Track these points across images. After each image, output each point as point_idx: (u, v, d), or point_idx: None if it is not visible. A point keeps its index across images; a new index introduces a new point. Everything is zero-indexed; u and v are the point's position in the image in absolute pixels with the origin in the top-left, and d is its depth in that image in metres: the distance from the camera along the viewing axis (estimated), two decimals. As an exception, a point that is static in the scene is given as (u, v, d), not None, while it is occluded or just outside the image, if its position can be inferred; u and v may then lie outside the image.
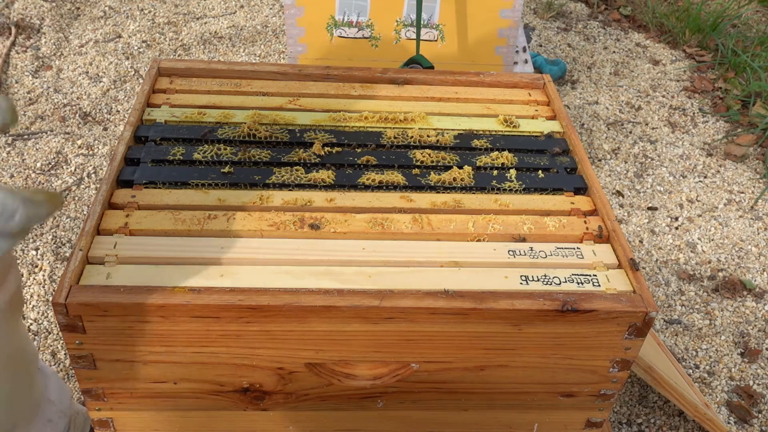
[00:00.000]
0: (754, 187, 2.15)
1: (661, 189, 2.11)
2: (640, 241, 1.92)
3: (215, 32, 2.63)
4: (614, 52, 2.75)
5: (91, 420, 0.96)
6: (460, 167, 1.05)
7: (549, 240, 0.98)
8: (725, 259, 1.88)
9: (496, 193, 1.04)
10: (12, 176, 1.93)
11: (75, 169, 1.97)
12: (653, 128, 2.36)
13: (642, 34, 2.90)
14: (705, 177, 2.17)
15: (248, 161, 1.04)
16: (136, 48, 2.51)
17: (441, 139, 1.11)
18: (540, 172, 1.08)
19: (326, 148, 1.07)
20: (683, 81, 2.63)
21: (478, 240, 0.96)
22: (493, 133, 1.16)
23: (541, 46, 2.75)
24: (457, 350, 0.91)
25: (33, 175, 1.94)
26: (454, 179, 1.04)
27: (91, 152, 2.04)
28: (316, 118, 1.14)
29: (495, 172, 1.07)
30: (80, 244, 0.88)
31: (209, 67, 1.22)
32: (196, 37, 2.59)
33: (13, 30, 2.49)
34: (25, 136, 2.07)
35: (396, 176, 1.03)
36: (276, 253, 0.91)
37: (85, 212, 1.85)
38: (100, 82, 2.33)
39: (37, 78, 2.32)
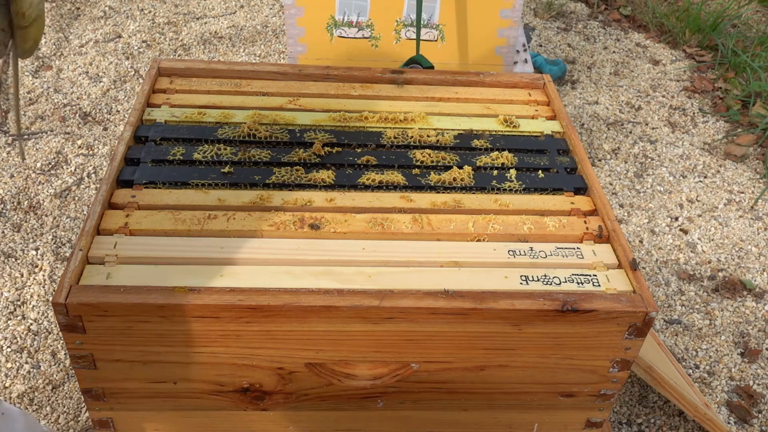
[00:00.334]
0: (754, 187, 2.15)
1: (661, 189, 2.10)
2: (640, 241, 1.92)
3: (215, 32, 2.63)
4: (614, 52, 2.75)
5: (91, 420, 0.96)
6: (460, 167, 1.05)
7: (549, 240, 0.98)
8: (725, 259, 1.88)
9: (496, 193, 1.04)
10: (12, 176, 1.93)
11: (75, 169, 1.97)
12: (653, 128, 2.36)
13: (642, 34, 2.90)
14: (705, 177, 2.17)
15: (248, 161, 1.04)
16: (136, 48, 2.51)
17: (441, 139, 1.11)
18: (540, 172, 1.08)
19: (326, 148, 1.07)
20: (683, 81, 2.63)
21: (478, 240, 0.96)
22: (493, 133, 1.16)
23: (541, 46, 2.75)
24: (457, 350, 0.91)
25: (33, 175, 1.94)
26: (454, 179, 1.04)
27: (91, 152, 2.04)
28: (316, 118, 1.14)
29: (495, 172, 1.07)
30: (80, 244, 0.88)
31: (209, 67, 1.22)
32: (196, 37, 2.59)
33: (13, 30, 2.49)
34: (25, 136, 2.07)
35: (396, 176, 1.03)
36: (276, 253, 0.91)
37: (85, 212, 1.85)
38: (100, 82, 2.33)
39: (37, 78, 2.32)
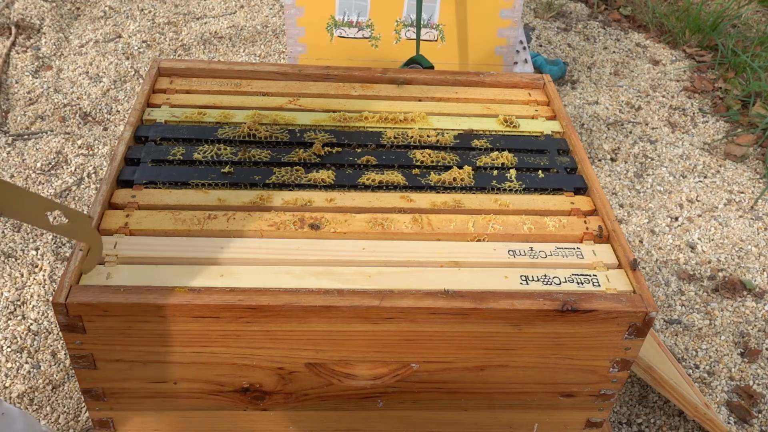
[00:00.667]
0: (754, 187, 2.15)
1: (661, 189, 2.10)
2: (640, 241, 1.92)
3: (215, 32, 2.63)
4: (614, 52, 2.75)
5: (91, 420, 0.96)
6: (460, 167, 1.05)
7: (549, 240, 0.98)
8: (725, 259, 1.88)
9: (496, 193, 1.04)
10: (12, 176, 1.93)
11: (75, 169, 1.97)
12: (653, 128, 2.36)
13: (642, 34, 2.90)
14: (705, 177, 2.17)
15: (248, 161, 1.04)
16: (136, 48, 2.51)
17: (441, 139, 1.11)
18: (540, 172, 1.08)
19: (326, 148, 1.07)
20: (683, 81, 2.63)
21: (478, 240, 0.96)
22: (493, 133, 1.16)
23: (541, 46, 2.75)
24: (457, 350, 0.91)
25: (33, 175, 1.94)
26: (454, 179, 1.04)
27: (91, 152, 2.04)
28: (316, 118, 1.14)
29: (495, 172, 1.07)
30: (80, 244, 0.88)
31: (209, 67, 1.22)
32: (196, 37, 2.59)
33: (14, 30, 2.49)
34: (25, 136, 2.07)
35: (396, 176, 1.03)
36: (276, 253, 0.91)
37: (85, 212, 1.85)
38: (100, 82, 2.33)
39: (37, 78, 2.32)
